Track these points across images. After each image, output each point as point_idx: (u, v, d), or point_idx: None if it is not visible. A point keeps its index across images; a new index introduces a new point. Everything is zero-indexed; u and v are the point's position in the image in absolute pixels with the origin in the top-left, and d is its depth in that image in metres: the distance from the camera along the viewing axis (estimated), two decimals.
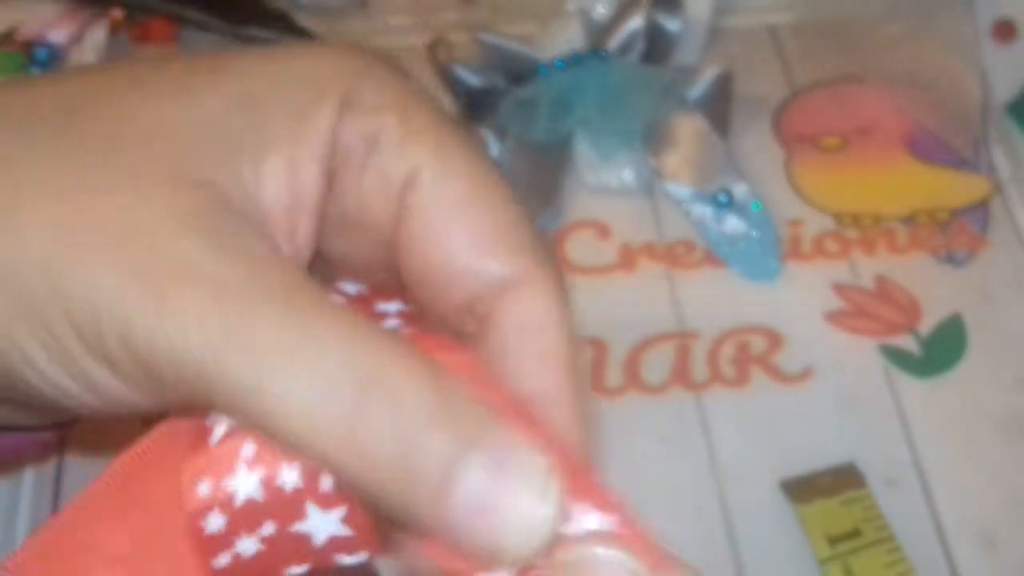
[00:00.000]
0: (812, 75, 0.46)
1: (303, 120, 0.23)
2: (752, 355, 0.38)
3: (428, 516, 0.20)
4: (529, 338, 0.24)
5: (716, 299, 0.40)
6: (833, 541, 0.34)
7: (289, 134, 0.23)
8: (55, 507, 0.35)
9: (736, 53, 0.46)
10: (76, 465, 0.36)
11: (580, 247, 0.41)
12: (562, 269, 0.26)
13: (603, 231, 0.42)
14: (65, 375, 0.21)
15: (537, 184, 0.41)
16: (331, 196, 0.24)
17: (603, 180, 0.42)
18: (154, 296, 0.20)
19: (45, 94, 0.22)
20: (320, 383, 0.20)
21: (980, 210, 0.42)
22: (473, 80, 0.43)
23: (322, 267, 0.25)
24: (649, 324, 0.39)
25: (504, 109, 0.41)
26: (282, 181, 0.23)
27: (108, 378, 0.21)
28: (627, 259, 0.41)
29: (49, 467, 0.36)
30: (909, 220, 0.42)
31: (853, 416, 0.37)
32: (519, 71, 0.43)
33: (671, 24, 0.44)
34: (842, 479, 0.35)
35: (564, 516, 0.20)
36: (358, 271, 0.26)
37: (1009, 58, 0.45)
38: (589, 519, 0.21)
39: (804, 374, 0.38)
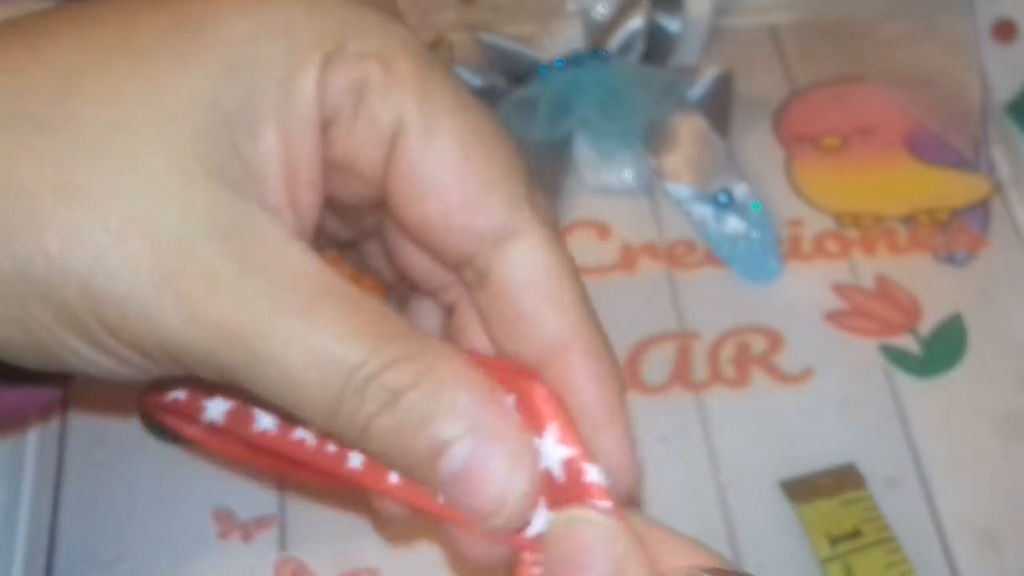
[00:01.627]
0: (812, 75, 0.46)
1: (290, 86, 0.23)
2: (752, 355, 0.38)
3: (421, 479, 0.23)
4: (536, 290, 0.25)
5: (716, 299, 0.40)
6: (834, 541, 0.34)
7: (278, 104, 0.23)
8: (59, 466, 0.35)
9: (736, 53, 0.46)
10: (80, 425, 0.36)
11: (581, 247, 0.41)
12: (555, 220, 0.26)
13: (603, 231, 0.42)
14: (107, 359, 0.23)
15: (538, 184, 0.41)
16: (324, 145, 0.24)
17: (603, 180, 0.42)
18: (186, 307, 0.22)
19: (37, 74, 0.22)
20: (319, 370, 0.22)
21: (980, 210, 0.42)
22: (473, 80, 0.43)
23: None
24: (649, 324, 0.39)
25: (504, 109, 0.41)
26: (279, 154, 0.23)
27: (144, 362, 0.23)
28: (627, 259, 0.41)
29: (53, 427, 0.36)
30: (909, 220, 0.42)
31: (853, 416, 0.37)
32: (519, 71, 0.43)
33: (671, 24, 0.44)
34: (842, 479, 0.35)
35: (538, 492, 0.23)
36: (347, 215, 0.27)
37: (1009, 58, 0.45)
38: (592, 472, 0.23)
39: (804, 374, 0.38)
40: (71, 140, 0.22)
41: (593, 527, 0.23)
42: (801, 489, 0.35)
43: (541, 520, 0.23)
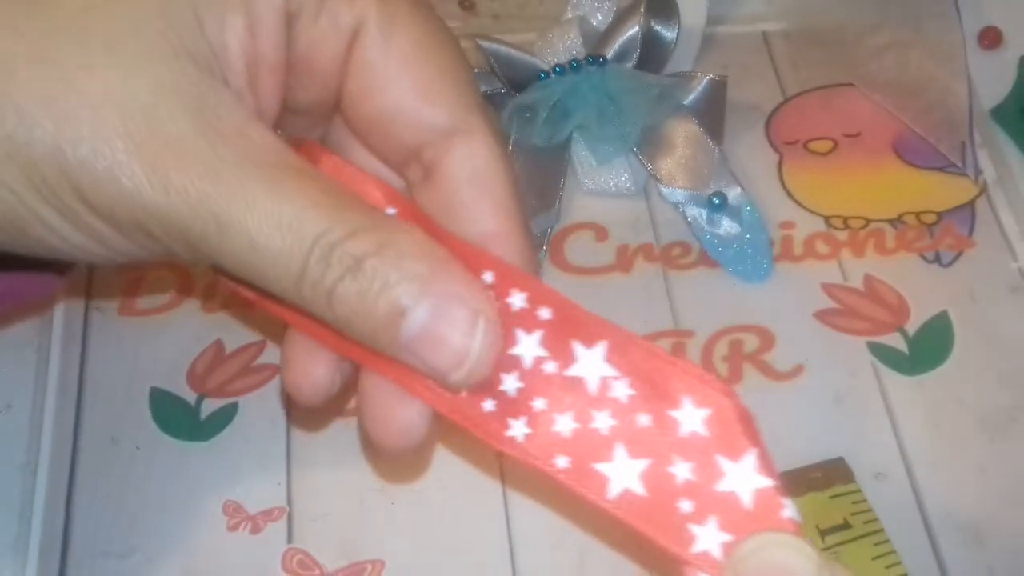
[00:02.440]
0: (803, 81, 0.46)
1: None
2: (745, 353, 0.39)
3: (383, 342, 0.24)
4: (476, 187, 0.27)
5: (710, 299, 0.40)
6: (823, 533, 0.34)
7: None
8: (73, 461, 0.36)
9: (730, 60, 0.46)
10: (93, 420, 0.37)
11: (578, 248, 0.41)
12: (500, 129, 0.28)
13: (600, 233, 0.42)
14: (77, 233, 0.24)
15: (537, 187, 0.41)
16: (287, 39, 0.25)
17: (601, 183, 0.43)
18: (157, 176, 0.23)
19: None
20: (284, 238, 0.23)
21: (966, 212, 0.42)
22: None
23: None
24: (645, 323, 0.39)
25: (505, 115, 0.42)
26: (244, 41, 0.24)
27: (115, 236, 0.24)
28: (624, 260, 0.41)
29: (67, 422, 0.37)
30: (897, 222, 0.42)
31: (842, 412, 0.38)
32: (519, 78, 0.43)
33: (666, 32, 0.44)
34: (832, 473, 0.36)
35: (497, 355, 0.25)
36: (296, 121, 0.28)
37: (995, 64, 0.45)
38: (518, 297, 0.25)
39: (795, 371, 0.38)
40: (49, 19, 0.23)
41: (800, 555, 0.22)
42: (792, 482, 0.35)
43: (712, 539, 0.23)
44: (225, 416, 0.37)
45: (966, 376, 0.38)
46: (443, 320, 0.24)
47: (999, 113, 0.44)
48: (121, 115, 0.23)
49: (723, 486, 0.23)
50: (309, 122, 0.28)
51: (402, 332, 0.24)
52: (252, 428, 0.37)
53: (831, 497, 0.35)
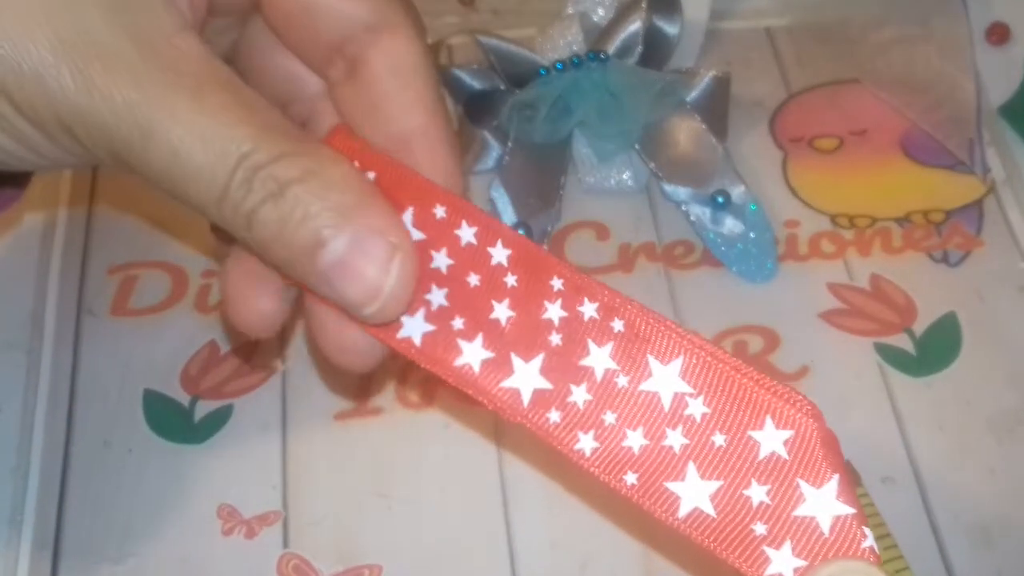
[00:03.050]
0: (808, 78, 0.46)
1: None
2: (749, 354, 0.39)
3: (299, 271, 0.24)
4: (401, 81, 0.27)
5: (714, 299, 0.40)
6: None
7: None
8: (65, 463, 0.35)
9: (733, 56, 0.46)
10: (86, 422, 0.37)
11: (580, 247, 0.41)
12: (423, 25, 0.28)
13: (602, 231, 0.42)
14: (6, 138, 0.24)
15: (537, 185, 0.41)
16: None
17: (602, 181, 0.42)
18: (83, 78, 0.23)
19: None
20: (207, 155, 0.23)
21: (974, 210, 0.42)
22: (474, 83, 0.43)
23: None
24: None
25: (505, 112, 0.42)
26: None
27: (42, 140, 0.24)
28: (626, 259, 0.41)
29: (59, 425, 0.36)
30: (904, 220, 0.42)
31: (849, 414, 0.37)
32: (520, 74, 0.43)
33: (669, 27, 0.44)
34: None
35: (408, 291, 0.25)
36: (225, 15, 0.28)
37: (1003, 61, 0.45)
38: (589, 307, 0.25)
39: (800, 372, 0.38)
40: None
41: None
42: None
43: (787, 563, 0.23)
44: (219, 418, 0.37)
45: (974, 377, 0.38)
46: (360, 253, 0.24)
47: (1007, 110, 0.44)
48: (48, 15, 0.23)
49: (802, 511, 0.23)
50: (229, 23, 0.28)
51: (319, 262, 0.24)
52: (247, 431, 0.37)
53: None
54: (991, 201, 0.42)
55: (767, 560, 0.23)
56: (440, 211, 0.26)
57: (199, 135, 0.23)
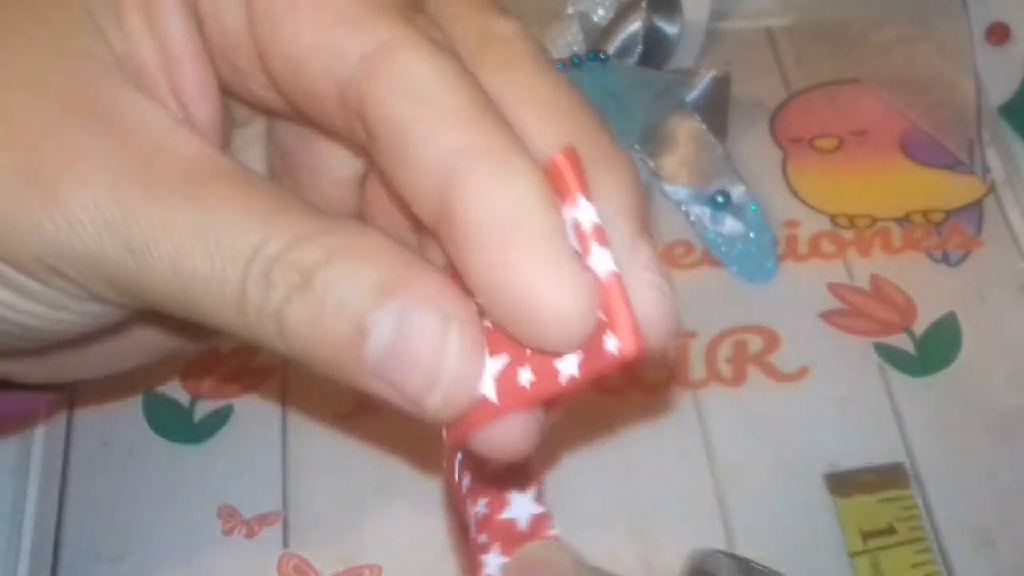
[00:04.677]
0: (808, 78, 0.46)
1: None
2: (749, 354, 0.38)
3: (350, 373, 0.20)
4: (417, 98, 0.20)
5: (713, 299, 0.40)
6: (866, 536, 0.34)
7: None
8: (65, 463, 0.35)
9: (733, 56, 0.46)
10: (86, 423, 0.36)
11: None
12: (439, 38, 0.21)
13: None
14: (5, 290, 0.21)
15: None
16: (199, 23, 0.22)
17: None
18: (52, 197, 0.19)
19: None
20: (214, 259, 0.19)
21: (974, 211, 0.42)
22: None
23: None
24: None
25: None
26: (148, 36, 0.21)
27: (36, 285, 0.21)
28: None
29: (59, 425, 0.36)
30: (904, 220, 0.42)
31: (849, 414, 0.37)
32: None
33: (669, 27, 0.44)
34: (886, 477, 0.35)
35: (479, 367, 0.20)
36: (244, 102, 0.24)
37: (1003, 60, 0.45)
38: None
39: (800, 373, 0.38)
40: None
41: (560, 552, 0.24)
42: (842, 483, 0.35)
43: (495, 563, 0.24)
44: (220, 419, 0.37)
45: (974, 377, 0.38)
46: (409, 332, 0.19)
47: (1007, 110, 0.44)
48: (10, 129, 0.20)
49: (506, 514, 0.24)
50: (259, 130, 0.25)
51: (366, 357, 0.19)
52: (247, 431, 0.37)
53: (879, 501, 0.35)
54: (991, 201, 0.42)
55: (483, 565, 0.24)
56: None
57: (200, 237, 0.19)
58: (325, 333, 0.19)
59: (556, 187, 0.19)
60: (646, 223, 0.21)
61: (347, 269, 0.19)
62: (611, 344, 0.19)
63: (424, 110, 0.19)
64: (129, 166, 0.20)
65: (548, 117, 0.21)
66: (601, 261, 0.19)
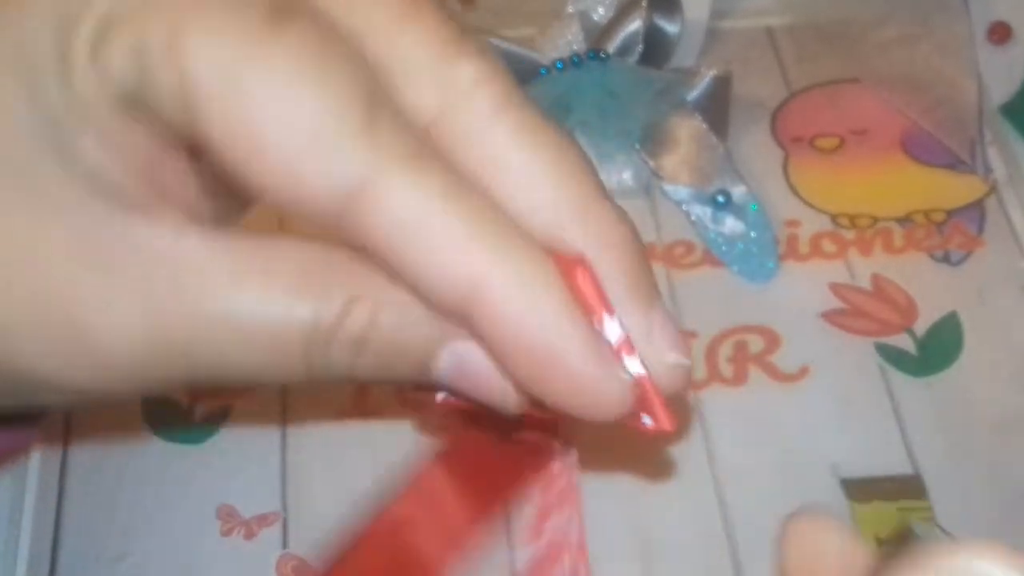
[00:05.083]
0: (809, 77, 0.46)
1: (68, 79, 0.19)
2: (750, 354, 0.38)
3: (423, 379, 0.22)
4: (412, 236, 0.19)
5: (714, 299, 0.40)
6: (882, 543, 0.34)
7: (68, 103, 0.20)
8: (64, 464, 0.35)
9: (734, 55, 0.46)
10: (84, 424, 0.36)
11: None
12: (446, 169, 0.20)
13: None
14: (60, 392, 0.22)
15: None
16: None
17: (602, 181, 0.42)
18: (87, 357, 0.20)
19: None
20: (272, 340, 0.20)
21: (976, 210, 0.42)
22: None
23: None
24: None
25: None
26: (109, 149, 0.20)
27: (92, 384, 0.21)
28: None
29: (57, 426, 0.36)
30: (905, 220, 0.42)
31: (849, 414, 0.37)
32: (519, 73, 0.42)
33: (670, 26, 0.44)
34: (904, 486, 0.35)
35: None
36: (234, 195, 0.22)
37: (1004, 60, 0.45)
38: None
39: (801, 373, 0.38)
40: None
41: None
42: (861, 489, 0.35)
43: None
44: (219, 418, 0.37)
45: (976, 378, 0.38)
46: (471, 359, 0.21)
47: (1009, 110, 0.44)
48: (23, 284, 0.20)
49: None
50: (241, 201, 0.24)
51: (439, 373, 0.21)
52: (246, 431, 0.37)
53: (899, 509, 0.35)
54: (992, 201, 0.42)
55: None
56: None
57: (255, 328, 0.20)
58: (394, 373, 0.21)
59: (576, 293, 0.21)
60: (652, 283, 0.22)
61: (397, 324, 0.21)
62: (646, 420, 0.22)
63: (427, 243, 0.19)
64: (155, 279, 0.20)
65: (534, 183, 0.21)
66: (632, 367, 0.21)
